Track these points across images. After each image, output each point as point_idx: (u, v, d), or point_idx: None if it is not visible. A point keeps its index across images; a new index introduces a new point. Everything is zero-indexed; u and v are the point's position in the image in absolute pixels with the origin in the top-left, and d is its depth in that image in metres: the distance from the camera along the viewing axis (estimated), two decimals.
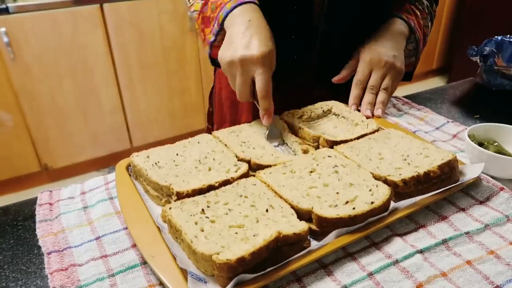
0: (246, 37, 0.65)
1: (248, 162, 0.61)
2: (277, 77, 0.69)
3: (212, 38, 0.75)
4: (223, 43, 0.68)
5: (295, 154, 0.67)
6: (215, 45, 0.76)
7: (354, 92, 0.79)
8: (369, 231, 0.49)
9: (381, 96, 0.78)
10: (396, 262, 0.47)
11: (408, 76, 0.91)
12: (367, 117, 0.74)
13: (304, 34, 0.83)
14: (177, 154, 0.63)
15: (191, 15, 0.81)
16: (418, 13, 0.87)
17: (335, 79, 0.83)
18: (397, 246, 0.49)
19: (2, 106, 2.01)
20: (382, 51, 0.79)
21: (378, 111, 0.77)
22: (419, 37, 0.85)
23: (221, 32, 0.72)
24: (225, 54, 0.66)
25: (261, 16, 0.69)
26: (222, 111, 1.00)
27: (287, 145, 0.70)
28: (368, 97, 0.78)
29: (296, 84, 0.87)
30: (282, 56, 0.70)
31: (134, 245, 0.51)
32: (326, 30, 0.82)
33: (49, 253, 0.51)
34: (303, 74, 0.88)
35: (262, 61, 0.63)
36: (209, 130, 1.11)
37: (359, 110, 0.78)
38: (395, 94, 0.96)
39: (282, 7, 0.79)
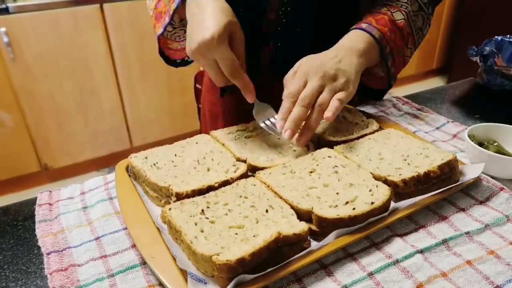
0: (199, 22, 0.61)
1: (244, 161, 0.61)
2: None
3: (160, 30, 0.71)
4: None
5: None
6: (162, 39, 0.73)
7: (283, 106, 0.63)
8: (369, 231, 0.49)
9: (314, 115, 0.62)
10: (396, 262, 0.47)
11: (379, 94, 0.81)
12: (289, 139, 0.61)
13: (258, 30, 0.78)
14: (175, 155, 0.63)
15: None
16: (384, 10, 0.74)
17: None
18: (397, 246, 0.49)
19: (2, 106, 2.01)
20: (324, 60, 0.65)
21: (302, 138, 0.62)
22: (386, 48, 0.72)
23: (171, 23, 0.69)
24: (187, 47, 0.63)
25: None
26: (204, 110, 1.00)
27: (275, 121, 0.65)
28: (295, 112, 0.61)
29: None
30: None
31: (134, 246, 0.51)
32: (281, 25, 0.76)
33: (48, 253, 0.51)
34: (258, 69, 0.80)
35: (216, 42, 0.59)
36: (199, 109, 1.11)
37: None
38: (395, 94, 0.95)
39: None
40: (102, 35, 2.11)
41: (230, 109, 0.92)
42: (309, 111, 0.62)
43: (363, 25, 0.71)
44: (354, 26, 0.72)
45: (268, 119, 0.67)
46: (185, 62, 0.84)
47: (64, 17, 2.00)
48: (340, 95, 0.63)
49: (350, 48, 0.68)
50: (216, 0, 0.62)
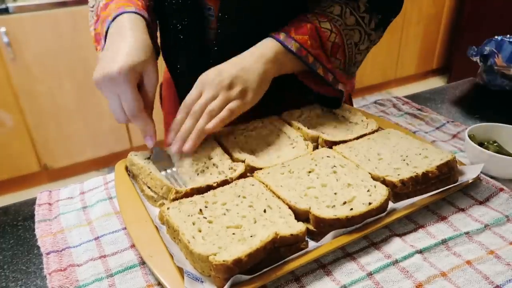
0: (112, 52, 0.57)
1: (243, 161, 0.61)
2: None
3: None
4: None
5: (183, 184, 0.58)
6: None
7: (176, 118, 0.62)
8: (367, 231, 0.49)
9: (201, 121, 0.60)
10: (396, 262, 0.47)
11: (335, 102, 0.76)
12: (178, 151, 0.60)
13: (198, 44, 0.74)
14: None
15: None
16: (319, 21, 0.69)
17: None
18: (397, 246, 0.49)
19: (2, 106, 2.01)
20: (223, 69, 0.63)
21: (186, 145, 0.60)
22: (308, 57, 0.68)
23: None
24: (94, 73, 0.57)
25: (138, 24, 0.61)
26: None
27: (175, 170, 0.61)
28: (186, 124, 0.61)
29: None
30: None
31: (133, 245, 0.51)
32: (221, 39, 0.72)
33: (48, 253, 0.51)
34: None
35: (123, 78, 0.55)
36: None
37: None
38: (395, 94, 0.95)
39: (172, 17, 0.72)
40: None
41: None
42: None
43: (281, 36, 0.67)
44: (271, 33, 0.68)
45: (168, 169, 0.61)
46: None
47: (64, 17, 2.00)
48: (233, 104, 0.61)
49: (259, 54, 0.65)
50: (138, 34, 0.59)
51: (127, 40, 0.58)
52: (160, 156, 0.62)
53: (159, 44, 0.77)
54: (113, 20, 0.62)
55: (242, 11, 0.70)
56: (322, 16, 0.70)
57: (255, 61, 0.64)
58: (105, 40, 0.63)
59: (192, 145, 0.59)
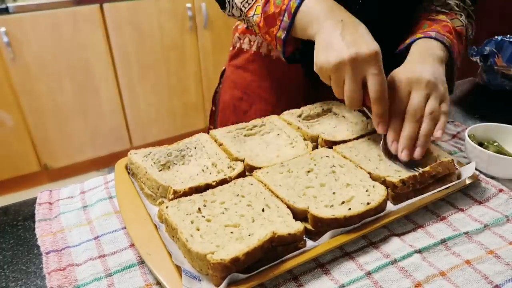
0: (348, 37, 0.57)
1: (242, 161, 0.61)
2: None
3: (283, 34, 0.65)
4: (318, 48, 0.60)
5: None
6: (288, 42, 0.67)
7: (392, 125, 0.60)
8: (365, 231, 0.49)
9: (427, 124, 0.59)
10: (394, 261, 0.47)
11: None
12: (405, 163, 0.58)
13: None
14: (175, 156, 0.63)
15: (247, 20, 0.73)
16: (443, 17, 0.74)
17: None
18: (395, 246, 0.49)
19: (2, 106, 2.01)
20: (419, 69, 0.63)
21: (417, 153, 0.58)
22: (450, 45, 0.70)
23: (293, 25, 0.64)
24: (327, 57, 0.58)
25: (347, 12, 0.62)
26: (225, 115, 0.99)
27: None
28: (407, 128, 0.59)
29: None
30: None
31: (132, 245, 0.51)
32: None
33: (47, 253, 0.51)
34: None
35: (375, 59, 0.56)
36: (212, 112, 1.09)
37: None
38: None
39: None
40: (102, 35, 2.11)
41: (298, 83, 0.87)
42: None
43: (432, 33, 0.69)
44: (419, 35, 0.70)
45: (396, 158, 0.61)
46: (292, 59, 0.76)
47: (64, 17, 2.00)
48: (444, 107, 0.61)
49: (432, 55, 0.66)
50: (361, 23, 0.60)
51: (358, 30, 0.59)
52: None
53: None
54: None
55: None
56: (449, 14, 0.76)
57: (434, 62, 0.65)
58: (290, 17, 0.63)
59: (423, 152, 0.59)
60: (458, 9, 0.78)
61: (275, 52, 0.73)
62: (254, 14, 0.69)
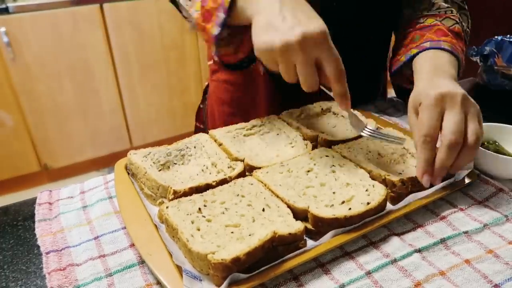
0: (291, 16, 0.51)
1: (242, 161, 0.61)
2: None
3: (216, 30, 0.59)
4: (256, 29, 0.54)
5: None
6: (221, 40, 0.61)
7: (423, 155, 0.52)
8: (365, 230, 0.49)
9: (469, 152, 0.51)
10: (394, 261, 0.47)
11: None
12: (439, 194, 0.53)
13: None
14: (175, 156, 0.63)
15: (191, 18, 0.64)
16: (432, 22, 0.71)
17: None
18: (395, 245, 0.49)
19: (2, 106, 2.01)
20: (447, 85, 0.55)
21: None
22: (452, 48, 0.67)
23: (229, 18, 0.58)
24: (270, 39, 0.51)
25: None
26: (214, 114, 0.96)
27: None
28: (446, 156, 0.51)
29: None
30: None
31: (132, 245, 0.51)
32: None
33: (47, 253, 0.51)
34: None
35: (325, 38, 0.50)
36: (197, 128, 1.07)
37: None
38: (395, 94, 0.95)
39: None
40: (102, 35, 2.11)
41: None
42: None
43: (426, 45, 0.65)
44: (414, 50, 0.66)
45: (365, 128, 0.60)
46: (239, 65, 0.72)
47: (64, 17, 2.00)
48: (478, 130, 0.52)
49: (446, 72, 0.60)
50: (305, 1, 0.55)
51: (301, 7, 0.53)
52: (354, 118, 0.60)
53: None
54: None
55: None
56: (438, 15, 0.72)
57: (450, 79, 0.59)
58: (225, 12, 0.57)
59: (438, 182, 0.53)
60: (446, 5, 0.73)
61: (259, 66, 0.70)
62: (195, 10, 0.63)
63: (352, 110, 0.60)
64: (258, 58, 0.55)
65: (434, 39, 0.68)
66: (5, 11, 1.87)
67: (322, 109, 0.77)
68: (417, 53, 0.68)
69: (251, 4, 0.56)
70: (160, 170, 0.60)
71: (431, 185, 0.54)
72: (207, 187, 0.55)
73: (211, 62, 0.95)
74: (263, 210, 0.50)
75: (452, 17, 0.73)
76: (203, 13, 0.62)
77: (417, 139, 0.53)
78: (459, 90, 0.54)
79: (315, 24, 0.51)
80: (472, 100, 0.54)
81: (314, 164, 0.59)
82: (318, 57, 0.52)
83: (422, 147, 0.52)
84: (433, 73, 0.61)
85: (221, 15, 0.58)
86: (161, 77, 2.38)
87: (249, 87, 0.87)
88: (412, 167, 0.58)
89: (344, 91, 0.54)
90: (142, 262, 0.49)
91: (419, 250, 0.48)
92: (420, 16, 0.75)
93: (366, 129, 0.59)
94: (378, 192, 0.52)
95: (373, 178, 0.56)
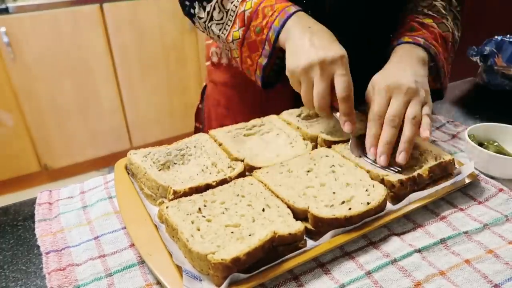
0: (316, 42, 0.61)
1: (242, 161, 0.61)
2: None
3: (264, 61, 0.69)
4: (287, 55, 0.64)
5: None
6: (267, 69, 0.70)
7: (371, 130, 0.61)
8: (365, 230, 0.49)
9: (409, 129, 0.59)
10: (394, 261, 0.47)
11: (438, 95, 0.79)
12: (383, 167, 0.58)
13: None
14: (175, 156, 0.63)
15: (224, 45, 0.78)
16: (430, 22, 0.75)
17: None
18: (395, 245, 0.49)
19: (2, 106, 2.01)
20: (400, 75, 0.63)
21: (401, 158, 0.57)
22: (436, 54, 0.71)
23: (274, 53, 0.68)
24: (297, 61, 0.61)
25: (316, 21, 0.65)
26: (210, 115, 0.98)
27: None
28: (386, 133, 0.59)
29: None
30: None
31: (132, 245, 0.51)
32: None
33: (47, 253, 0.51)
34: None
35: (341, 61, 0.59)
36: (197, 129, 1.09)
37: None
38: None
39: None
40: (102, 35, 2.12)
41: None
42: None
43: (420, 40, 0.70)
44: (407, 39, 0.71)
45: (365, 156, 0.62)
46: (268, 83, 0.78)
47: (64, 17, 2.00)
48: (427, 110, 0.61)
49: (417, 58, 0.68)
50: (328, 30, 0.64)
51: (325, 35, 0.63)
52: (357, 142, 0.63)
53: None
54: (282, 25, 0.66)
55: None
56: (436, 18, 0.76)
57: (418, 65, 0.67)
58: (271, 47, 0.67)
59: (407, 157, 0.58)
60: (444, 12, 0.78)
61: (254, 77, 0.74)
62: (233, 40, 0.72)
63: (351, 135, 0.64)
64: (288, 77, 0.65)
65: (428, 40, 0.71)
66: (5, 11, 1.87)
67: None
68: (408, 42, 0.71)
69: (284, 32, 0.65)
70: (160, 170, 0.60)
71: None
72: (207, 187, 0.55)
73: (208, 63, 0.96)
74: (263, 210, 0.50)
75: (447, 24, 0.76)
76: (248, 44, 0.71)
77: (370, 117, 0.62)
78: (407, 81, 0.61)
79: (336, 49, 0.60)
80: (420, 89, 0.62)
81: (314, 164, 0.59)
82: (333, 74, 0.60)
83: (372, 124, 0.61)
84: (400, 61, 0.68)
85: (267, 49, 0.68)
86: (161, 77, 2.38)
87: (247, 90, 0.89)
88: (412, 167, 0.58)
89: (349, 111, 0.61)
90: (142, 262, 0.49)
91: (419, 250, 0.48)
92: (420, 12, 0.78)
93: (366, 158, 0.61)
94: (378, 192, 0.52)
95: (372, 177, 0.56)
